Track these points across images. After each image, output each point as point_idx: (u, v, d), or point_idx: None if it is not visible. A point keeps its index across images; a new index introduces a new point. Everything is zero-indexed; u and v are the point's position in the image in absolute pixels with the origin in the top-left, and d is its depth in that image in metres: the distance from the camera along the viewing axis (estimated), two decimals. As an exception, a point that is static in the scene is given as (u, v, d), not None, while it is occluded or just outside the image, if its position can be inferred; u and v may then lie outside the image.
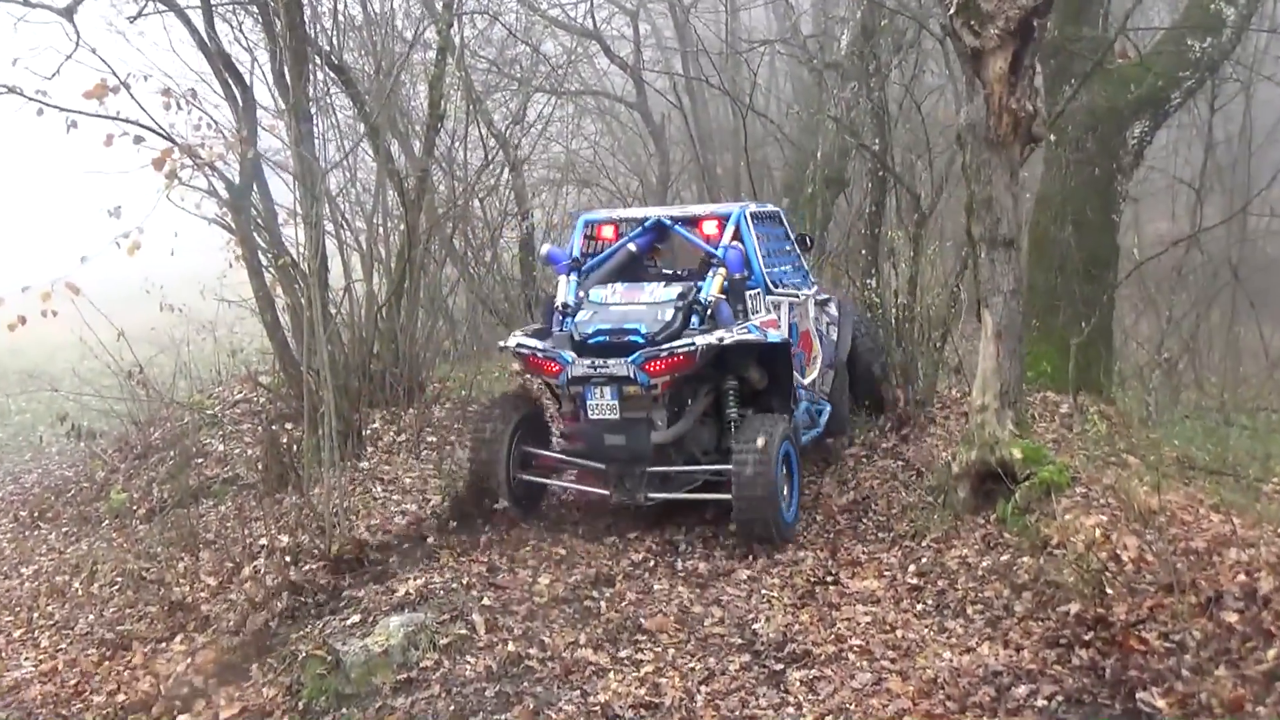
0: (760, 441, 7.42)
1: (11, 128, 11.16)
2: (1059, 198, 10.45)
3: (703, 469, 7.96)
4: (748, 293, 8.21)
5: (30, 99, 9.67)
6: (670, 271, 9.11)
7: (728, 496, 7.52)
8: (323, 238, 10.04)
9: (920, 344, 9.84)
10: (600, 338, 7.76)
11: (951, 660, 5.72)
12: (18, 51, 10.02)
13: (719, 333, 7.67)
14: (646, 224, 8.94)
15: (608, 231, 9.11)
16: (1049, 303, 10.16)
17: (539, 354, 7.90)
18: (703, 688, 5.79)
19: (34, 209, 24.14)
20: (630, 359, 7.51)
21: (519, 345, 8.07)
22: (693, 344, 7.51)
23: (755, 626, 6.42)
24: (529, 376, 8.84)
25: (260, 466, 9.81)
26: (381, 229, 12.19)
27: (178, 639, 7.22)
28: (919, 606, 6.45)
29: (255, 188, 10.66)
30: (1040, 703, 5.26)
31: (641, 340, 7.63)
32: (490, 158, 14.74)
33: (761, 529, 7.48)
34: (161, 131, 9.78)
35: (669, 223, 8.89)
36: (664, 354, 7.51)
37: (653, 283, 8.29)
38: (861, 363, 9.75)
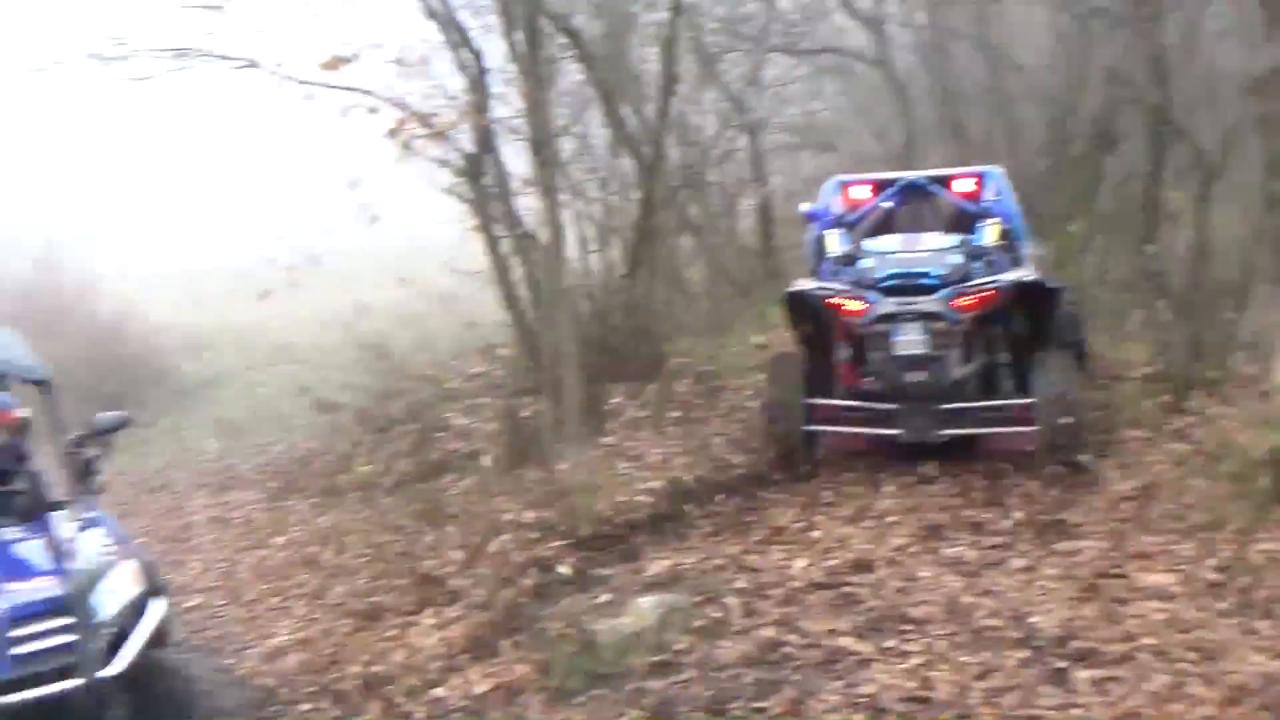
0: (1062, 372, 8.10)
1: (252, 102, 11.64)
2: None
3: (998, 403, 8.37)
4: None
5: (270, 72, 10.16)
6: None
7: (1021, 430, 8.07)
8: (558, 207, 10.16)
9: (1209, 316, 9.28)
10: (892, 281, 8.24)
11: (1262, 665, 5.37)
12: (256, 26, 10.51)
13: (1016, 273, 8.37)
14: (901, 184, 9.58)
15: (859, 192, 9.68)
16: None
17: (841, 295, 8.37)
18: (978, 683, 5.59)
19: (274, 183, 25.36)
20: (939, 295, 8.08)
21: (819, 289, 8.59)
22: (999, 281, 8.22)
23: (1032, 620, 6.15)
24: (796, 329, 9.08)
25: (500, 441, 10.03)
26: (616, 198, 12.28)
27: (427, 612, 7.44)
28: (1220, 605, 6.06)
29: (490, 157, 10.87)
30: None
31: (935, 283, 8.16)
32: (726, 123, 14.67)
33: (1065, 455, 7.92)
34: (396, 101, 10.08)
35: (925, 182, 9.61)
36: (972, 290, 8.14)
37: (928, 233, 8.92)
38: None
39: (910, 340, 8.11)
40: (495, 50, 10.95)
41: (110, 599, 5.31)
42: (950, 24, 15.43)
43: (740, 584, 6.88)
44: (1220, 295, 9.43)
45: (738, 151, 15.66)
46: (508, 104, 11.30)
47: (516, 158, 11.39)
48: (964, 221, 9.07)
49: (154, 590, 5.77)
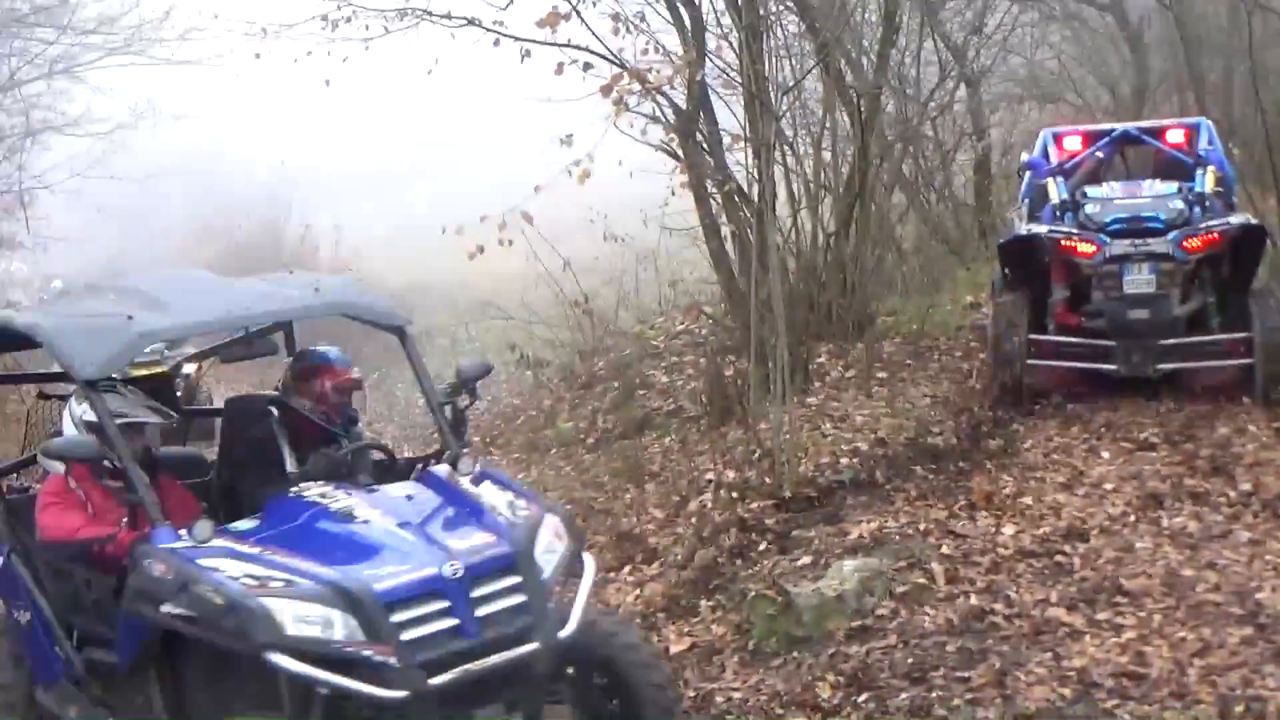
0: (1270, 300, 8.89)
1: (471, 60, 11.90)
2: None
3: (1213, 338, 8.95)
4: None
5: (488, 30, 10.42)
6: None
7: (1243, 361, 8.71)
8: (773, 163, 10.15)
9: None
10: (1118, 225, 8.90)
11: None
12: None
13: (1238, 217, 9.14)
14: (1114, 134, 10.46)
15: (1072, 143, 10.47)
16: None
17: (1074, 238, 8.99)
18: (1196, 660, 5.46)
19: (488, 140, 25.96)
20: (1170, 236, 8.75)
21: (1051, 231, 9.16)
22: (1227, 223, 8.92)
23: (1259, 596, 5.95)
24: (1014, 272, 9.69)
25: (703, 400, 10.14)
26: (830, 154, 12.18)
27: (626, 569, 7.63)
28: None
29: (702, 112, 10.92)
30: None
31: (1161, 226, 8.83)
32: (945, 74, 14.38)
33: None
34: (611, 57, 10.21)
35: (1137, 133, 10.50)
36: (1201, 232, 8.81)
37: (1147, 181, 9.58)
38: None
39: (1139, 279, 8.78)
40: (712, 3, 11.00)
41: (546, 557, 4.99)
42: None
43: (945, 549, 6.85)
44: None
45: (956, 104, 15.34)
46: (722, 59, 11.33)
47: (729, 113, 11.43)
48: (1177, 170, 9.72)
49: (580, 546, 5.44)
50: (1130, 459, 7.92)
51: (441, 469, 5.40)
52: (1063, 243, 9.08)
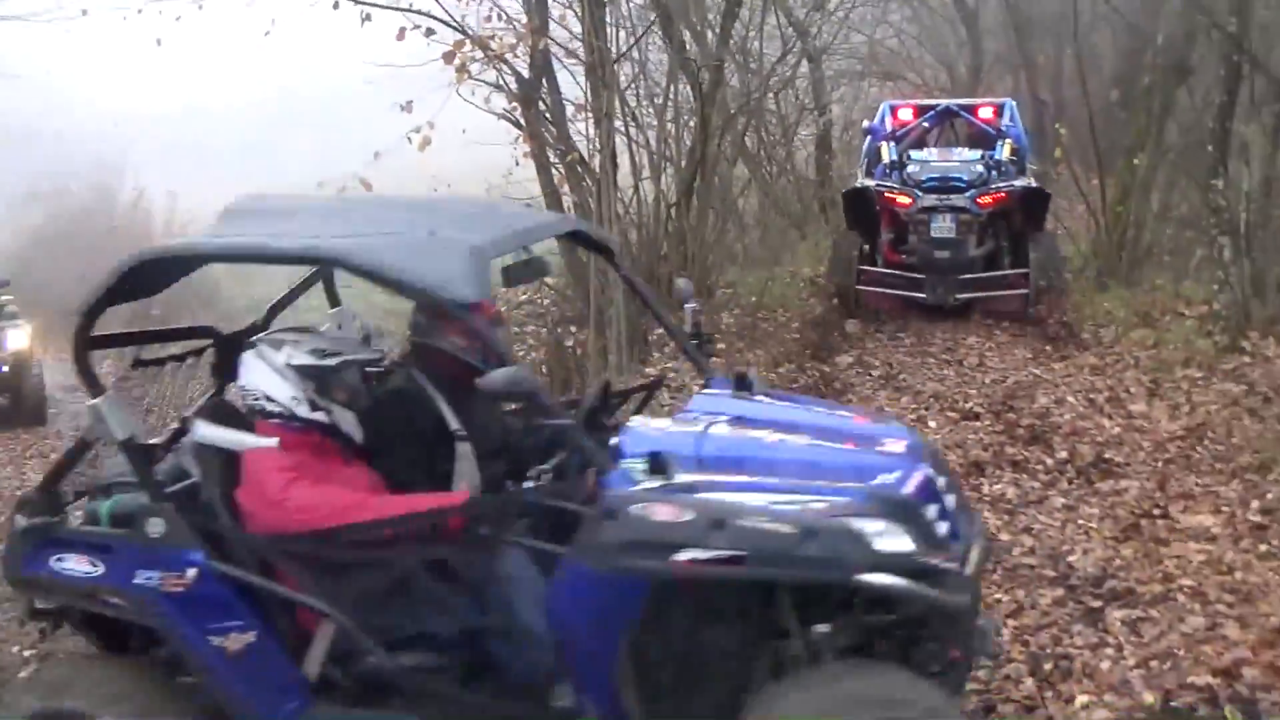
0: (1048, 248, 11.32)
1: (306, 23, 11.62)
2: None
3: (999, 273, 11.24)
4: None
5: (329, -5, 10.18)
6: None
7: (1022, 291, 10.92)
8: (613, 133, 10.15)
9: (1274, 254, 9.21)
10: (931, 182, 11.19)
11: (1302, 608, 5.39)
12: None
13: (1022, 180, 11.40)
14: (939, 109, 13.25)
15: (905, 114, 12.96)
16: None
17: (895, 191, 11.26)
18: (1010, 621, 5.65)
19: (327, 106, 25.43)
20: (968, 194, 11.01)
21: (878, 184, 11.45)
22: (1013, 185, 11.26)
23: (1070, 559, 6.17)
24: (850, 216, 11.87)
25: (544, 370, 10.11)
26: (672, 125, 12.21)
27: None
28: (1262, 547, 6.05)
29: (545, 81, 10.87)
30: None
31: (963, 185, 11.10)
32: (788, 49, 14.53)
33: (1052, 295, 10.85)
34: (453, 24, 10.09)
35: (956, 108, 13.26)
36: (993, 191, 11.13)
37: (958, 148, 12.40)
38: None
39: (943, 227, 11.02)
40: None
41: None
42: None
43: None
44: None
45: (799, 80, 15.54)
46: (566, 28, 11.30)
47: (573, 83, 11.39)
48: (983, 140, 12.25)
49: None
50: (956, 428, 8.19)
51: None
52: (886, 194, 11.33)
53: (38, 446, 12.37)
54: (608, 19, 10.66)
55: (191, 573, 3.96)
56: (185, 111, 29.35)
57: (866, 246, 11.67)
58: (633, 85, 13.01)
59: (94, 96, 27.30)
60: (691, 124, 11.72)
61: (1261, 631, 5.21)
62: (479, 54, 10.11)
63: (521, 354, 11.03)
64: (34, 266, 22.29)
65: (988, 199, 11.09)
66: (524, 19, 10.65)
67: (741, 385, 4.44)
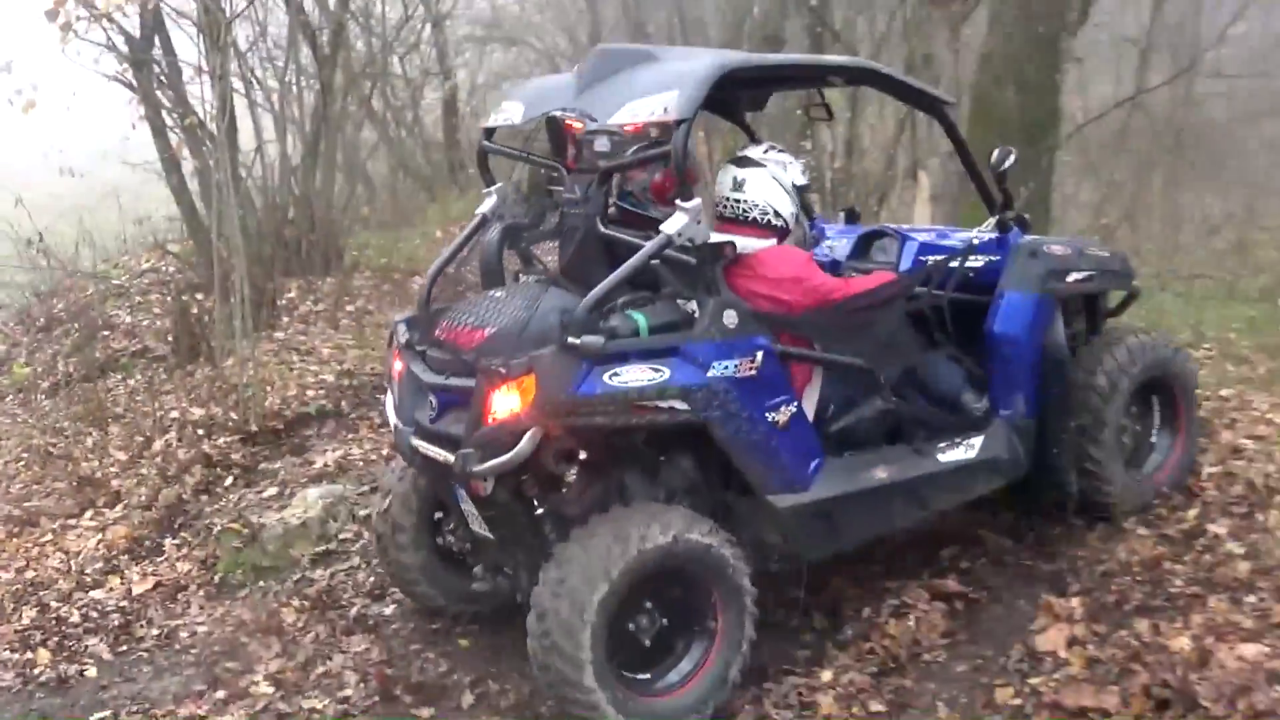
0: None
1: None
2: (1001, 57, 10.31)
3: None
4: None
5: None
6: None
7: None
8: (231, 95, 9.80)
9: (862, 207, 9.91)
10: None
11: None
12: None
13: None
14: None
15: None
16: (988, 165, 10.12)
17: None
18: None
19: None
20: None
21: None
22: None
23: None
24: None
25: (170, 338, 9.72)
26: (295, 87, 11.93)
27: (88, 515, 7.21)
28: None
29: (157, 41, 10.37)
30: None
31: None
32: (410, 12, 14.42)
33: None
34: (55, -24, 9.44)
35: None
36: None
37: None
38: None
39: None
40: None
41: None
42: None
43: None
44: (868, 189, 10.05)
45: (424, 44, 15.43)
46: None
47: (188, 44, 10.90)
48: None
49: None
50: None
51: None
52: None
53: None
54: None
55: (760, 355, 4.36)
56: None
57: None
58: (253, 48, 12.58)
59: None
60: (315, 86, 11.47)
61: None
62: (84, 11, 9.53)
63: (146, 322, 10.54)
64: None
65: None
66: (132, -25, 10.10)
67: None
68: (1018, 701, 4.43)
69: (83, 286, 11.43)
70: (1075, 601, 4.87)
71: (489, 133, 5.24)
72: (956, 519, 5.40)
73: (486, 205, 5.13)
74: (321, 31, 11.30)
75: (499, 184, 5.16)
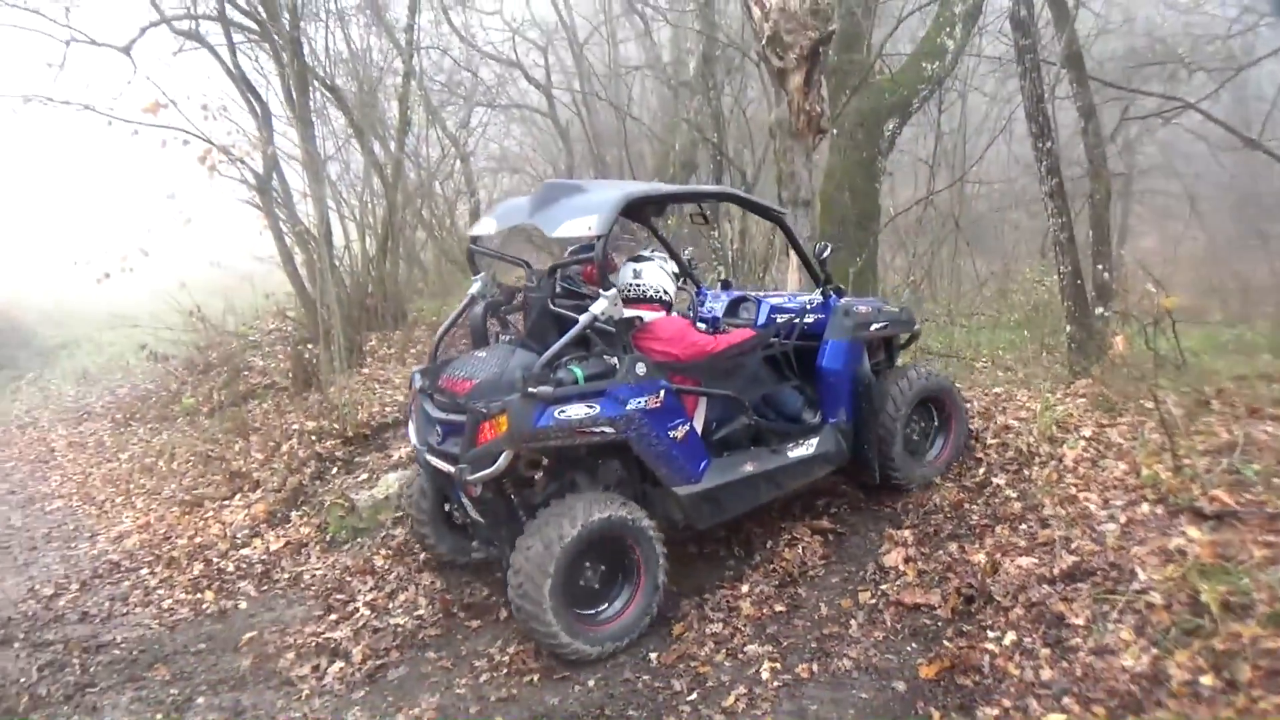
0: None
1: (87, 137, 10.46)
2: (839, 172, 10.46)
3: None
4: None
5: (102, 114, 9.16)
6: None
7: None
8: (326, 211, 9.73)
9: (749, 274, 9.93)
10: None
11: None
12: (90, 78, 9.46)
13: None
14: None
15: None
16: (834, 245, 10.16)
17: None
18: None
19: (105, 200, 22.60)
20: None
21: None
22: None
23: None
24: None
25: (290, 375, 9.54)
26: (370, 204, 11.80)
27: (237, 498, 7.07)
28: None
29: (275, 176, 10.24)
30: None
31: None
32: (445, 152, 14.31)
33: None
34: (202, 136, 9.34)
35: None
36: None
37: None
38: None
39: None
40: (278, 98, 10.33)
41: None
42: (594, 90, 15.58)
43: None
44: (756, 261, 10.03)
45: (455, 173, 15.32)
46: (289, 139, 10.65)
47: (297, 176, 10.79)
48: None
49: None
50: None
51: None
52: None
53: None
54: (318, 134, 10.16)
55: (662, 393, 4.35)
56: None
57: None
58: (340, 178, 12.46)
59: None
60: (384, 203, 11.36)
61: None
62: (223, 157, 9.45)
63: (273, 365, 10.34)
64: None
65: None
66: (255, 132, 9.98)
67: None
68: (873, 601, 4.42)
69: (229, 342, 11.22)
70: (908, 532, 4.87)
71: (474, 239, 5.23)
72: (827, 482, 5.39)
73: (474, 288, 5.13)
74: (386, 167, 11.20)
75: (482, 273, 5.15)
